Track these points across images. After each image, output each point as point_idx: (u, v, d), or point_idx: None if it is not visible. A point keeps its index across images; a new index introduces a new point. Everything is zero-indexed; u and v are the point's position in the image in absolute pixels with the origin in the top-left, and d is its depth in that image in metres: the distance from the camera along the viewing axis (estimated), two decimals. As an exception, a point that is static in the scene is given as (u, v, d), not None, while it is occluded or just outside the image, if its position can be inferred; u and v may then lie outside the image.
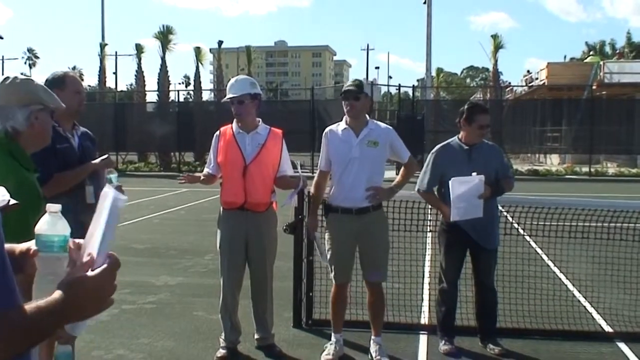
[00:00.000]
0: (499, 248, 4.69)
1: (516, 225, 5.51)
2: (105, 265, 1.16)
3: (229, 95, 4.37)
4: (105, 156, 3.63)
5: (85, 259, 1.16)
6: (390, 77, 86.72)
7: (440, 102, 29.95)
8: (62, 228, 1.22)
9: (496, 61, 26.92)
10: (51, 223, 1.21)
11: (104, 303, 1.16)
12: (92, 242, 1.17)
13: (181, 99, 30.77)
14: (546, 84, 29.50)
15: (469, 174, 4.31)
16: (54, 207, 1.23)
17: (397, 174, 4.69)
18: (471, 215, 4.30)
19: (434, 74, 36.70)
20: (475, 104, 4.69)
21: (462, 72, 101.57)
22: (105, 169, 3.57)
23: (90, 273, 1.15)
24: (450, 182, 4.29)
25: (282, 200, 4.59)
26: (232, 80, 4.47)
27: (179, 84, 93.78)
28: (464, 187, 4.27)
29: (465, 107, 4.57)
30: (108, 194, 1.20)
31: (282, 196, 4.57)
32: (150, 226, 11.03)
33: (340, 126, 4.41)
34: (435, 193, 4.58)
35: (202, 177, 4.47)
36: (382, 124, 4.52)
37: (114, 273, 1.18)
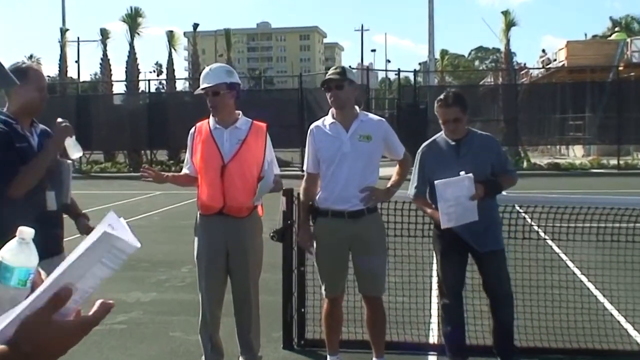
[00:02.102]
0: (517, 255, 4.68)
1: (536, 228, 5.51)
2: (89, 316, 1.07)
3: (202, 86, 4.35)
4: (60, 120, 3.56)
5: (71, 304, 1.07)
6: (388, 61, 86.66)
7: (446, 89, 29.93)
8: (26, 259, 1.16)
9: (508, 41, 27.02)
10: (15, 251, 1.15)
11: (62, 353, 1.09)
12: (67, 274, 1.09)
13: (152, 90, 30.72)
14: (566, 65, 29.67)
15: (458, 172, 4.27)
16: (25, 233, 1.17)
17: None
18: (465, 219, 4.26)
19: (438, 56, 36.84)
20: (440, 97, 4.56)
21: (470, 54, 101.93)
22: (64, 141, 3.49)
23: (61, 321, 1.05)
24: (435, 185, 4.27)
25: (270, 205, 4.57)
26: (206, 69, 4.45)
27: (150, 72, 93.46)
28: (452, 189, 4.24)
29: None
30: (101, 229, 1.11)
31: (270, 200, 4.54)
32: (118, 235, 10.96)
33: (327, 121, 4.41)
34: (428, 198, 4.54)
35: (167, 176, 4.48)
36: (374, 116, 4.54)
37: (93, 326, 1.09)
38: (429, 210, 4.49)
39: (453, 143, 4.44)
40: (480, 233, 4.36)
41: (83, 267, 1.08)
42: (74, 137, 3.51)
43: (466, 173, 4.23)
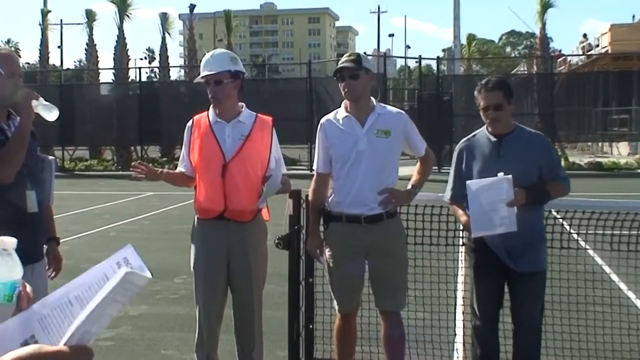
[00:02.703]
0: (553, 267, 4.62)
1: (575, 236, 5.46)
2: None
3: (203, 74, 4.35)
4: (22, 87, 3.53)
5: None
6: (408, 47, 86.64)
7: (473, 78, 29.91)
8: (10, 272, 1.16)
9: (544, 24, 26.97)
10: None
11: None
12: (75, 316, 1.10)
13: (144, 79, 30.81)
14: (609, 51, 29.50)
15: (497, 174, 4.15)
16: (6, 243, 1.16)
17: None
18: (499, 229, 4.14)
19: (464, 41, 36.80)
20: (482, 81, 4.47)
21: (500, 39, 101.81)
22: (30, 105, 3.42)
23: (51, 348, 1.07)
24: (467, 185, 4.18)
25: (275, 208, 4.57)
26: (208, 55, 4.45)
27: (141, 59, 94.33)
28: (486, 192, 4.13)
29: None
30: (121, 272, 1.12)
31: (276, 202, 4.54)
32: (105, 241, 11.03)
33: (339, 114, 4.40)
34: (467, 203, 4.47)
35: (161, 172, 4.47)
36: (393, 108, 4.52)
37: None
38: (462, 218, 4.39)
39: (494, 139, 4.33)
40: (517, 248, 4.23)
41: (100, 312, 1.10)
42: (41, 98, 3.46)
43: (505, 174, 4.12)
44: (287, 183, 4.45)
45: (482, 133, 4.43)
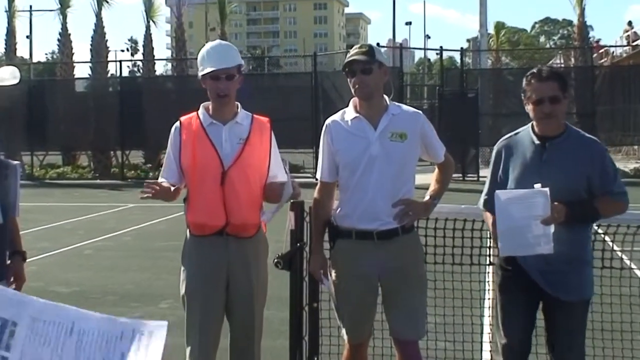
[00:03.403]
0: (595, 289, 4.57)
1: (619, 254, 5.46)
2: None
3: (210, 69, 4.35)
4: None
5: None
6: (428, 37, 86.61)
7: (503, 72, 29.92)
8: None
9: (583, 10, 26.95)
10: None
11: None
12: None
13: (125, 73, 30.98)
14: (658, 42, 29.43)
15: (538, 183, 4.05)
16: None
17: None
18: (531, 249, 4.05)
19: (492, 30, 36.73)
20: (534, 70, 4.35)
21: (533, 28, 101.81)
22: None
23: None
24: (495, 196, 4.10)
25: (273, 221, 4.57)
26: (209, 46, 4.49)
27: (122, 51, 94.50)
28: (517, 205, 4.05)
29: None
30: None
31: (278, 216, 4.55)
32: (79, 260, 11.05)
33: (347, 114, 4.40)
34: None
35: (177, 190, 4.40)
36: (409, 108, 4.52)
37: None
38: (492, 228, 4.35)
39: (538, 142, 4.22)
40: (554, 273, 4.16)
41: None
42: None
43: (545, 185, 4.00)
44: (296, 187, 4.41)
45: (526, 132, 4.32)
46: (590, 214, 4.17)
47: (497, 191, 4.11)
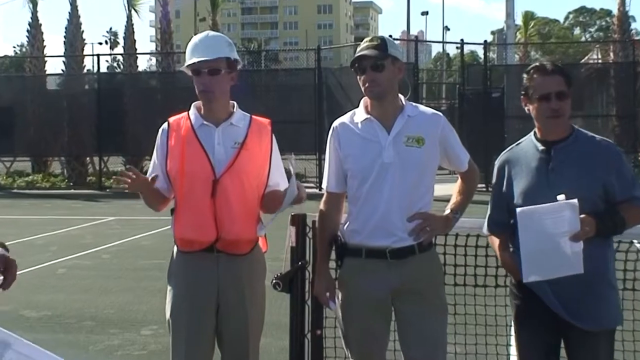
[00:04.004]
0: (636, 315, 4.58)
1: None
2: None
3: (192, 60, 4.37)
4: None
5: None
6: (447, 29, 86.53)
7: (532, 69, 29.79)
8: None
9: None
10: None
11: None
12: None
13: (104, 69, 31.01)
14: None
15: (549, 196, 4.03)
16: None
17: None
18: (560, 271, 4.02)
19: (520, 21, 36.74)
20: (534, 64, 4.39)
21: (566, 19, 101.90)
22: None
23: None
24: (517, 215, 4.07)
25: (272, 236, 4.59)
26: (197, 38, 4.49)
27: (100, 44, 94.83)
28: (542, 222, 4.01)
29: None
30: None
31: (273, 229, 4.56)
32: (51, 280, 11.05)
33: (357, 116, 4.40)
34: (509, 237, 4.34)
35: (151, 180, 4.34)
36: (427, 109, 4.51)
37: None
38: (500, 255, 4.38)
39: (541, 148, 4.24)
40: (574, 297, 4.12)
41: None
42: None
43: (567, 198, 3.98)
44: (301, 189, 4.39)
45: (528, 140, 4.35)
46: (618, 225, 4.15)
47: (518, 209, 4.08)
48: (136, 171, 4.35)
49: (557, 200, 3.99)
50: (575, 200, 3.95)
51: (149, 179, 4.34)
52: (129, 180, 4.24)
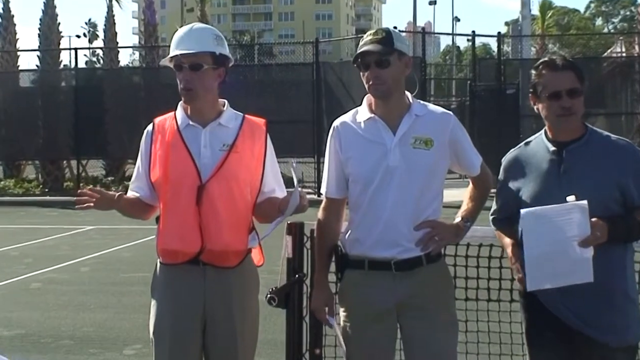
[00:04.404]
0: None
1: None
2: None
3: (175, 52, 4.38)
4: None
5: None
6: (457, 20, 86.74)
7: (550, 63, 29.83)
8: None
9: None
10: None
11: None
12: None
13: (82, 64, 31.01)
14: None
15: (561, 201, 4.02)
16: None
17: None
18: (567, 278, 4.01)
19: (536, 11, 36.84)
20: (544, 59, 4.37)
21: (587, 8, 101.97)
22: None
23: None
24: (521, 216, 4.09)
25: (267, 246, 4.59)
26: (182, 30, 4.49)
27: (78, 37, 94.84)
28: (548, 224, 4.02)
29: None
30: None
31: (269, 239, 4.55)
32: (25, 295, 11.03)
33: (360, 115, 4.40)
34: (518, 231, 4.31)
35: (120, 197, 4.37)
36: (436, 107, 4.51)
37: None
38: (509, 250, 4.40)
39: (553, 149, 4.26)
40: (588, 309, 4.13)
41: None
42: None
43: (577, 199, 3.98)
44: (304, 197, 4.34)
45: (538, 139, 4.38)
46: (636, 230, 4.15)
47: (522, 210, 4.09)
48: (98, 190, 4.34)
49: (566, 202, 3.98)
50: (585, 202, 3.94)
51: (115, 196, 4.32)
52: (93, 199, 4.24)
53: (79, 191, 4.34)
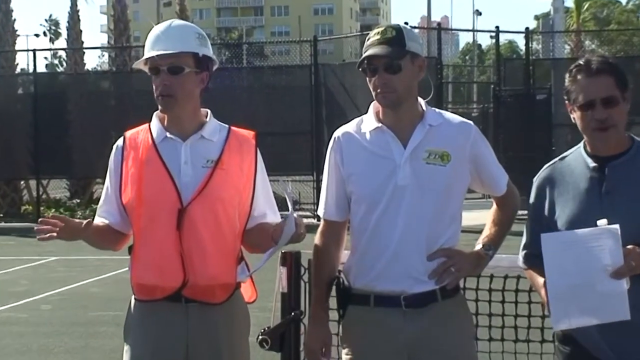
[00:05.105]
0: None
1: None
2: None
3: (149, 54, 4.38)
4: None
5: None
6: (478, 14, 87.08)
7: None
8: None
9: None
10: None
11: None
12: None
13: (42, 68, 31.05)
14: None
15: (595, 223, 4.00)
16: None
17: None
18: (597, 317, 3.99)
19: (570, 3, 36.91)
20: (578, 62, 4.28)
21: (629, 0, 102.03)
22: None
23: None
24: (541, 241, 4.05)
25: (259, 279, 4.60)
26: (159, 28, 4.50)
27: (37, 36, 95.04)
28: (573, 252, 3.98)
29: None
30: None
31: (261, 271, 4.57)
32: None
33: (366, 124, 4.40)
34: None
35: (88, 224, 4.28)
36: (453, 116, 4.52)
37: None
38: (542, 292, 4.26)
39: (593, 165, 4.22)
40: (631, 348, 4.10)
41: None
42: None
43: (609, 223, 3.96)
44: (301, 224, 4.28)
45: (576, 153, 4.33)
46: None
47: (543, 234, 4.06)
48: (62, 217, 4.29)
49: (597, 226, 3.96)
50: (617, 227, 3.92)
51: (82, 224, 4.24)
52: (56, 228, 4.16)
53: (40, 219, 4.29)
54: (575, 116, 4.19)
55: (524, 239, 4.42)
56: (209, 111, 4.54)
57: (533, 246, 4.27)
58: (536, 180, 4.40)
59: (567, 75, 4.24)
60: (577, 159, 4.28)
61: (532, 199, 4.40)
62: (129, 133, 4.55)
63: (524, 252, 4.42)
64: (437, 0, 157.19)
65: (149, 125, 4.51)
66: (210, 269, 4.35)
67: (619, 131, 4.16)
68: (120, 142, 4.54)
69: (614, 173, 4.15)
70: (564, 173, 4.31)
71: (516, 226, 4.54)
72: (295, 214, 4.22)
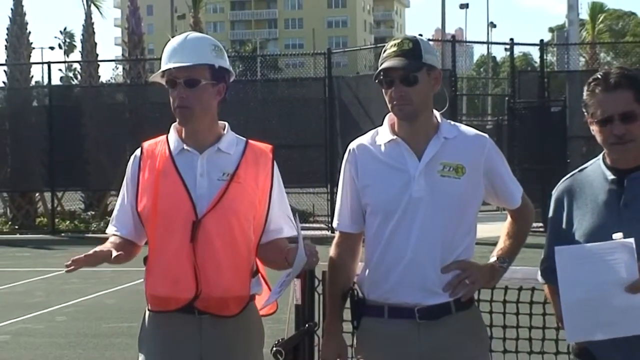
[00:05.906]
0: None
1: None
2: None
3: (166, 66, 4.39)
4: None
5: None
6: (492, 26, 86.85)
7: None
8: None
9: None
10: None
11: None
12: None
13: (57, 81, 31.08)
14: None
15: (611, 236, 3.99)
16: None
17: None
18: (612, 331, 3.98)
19: (586, 15, 36.82)
20: (596, 76, 4.24)
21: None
22: None
23: None
24: (555, 254, 4.05)
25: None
26: (176, 40, 4.50)
27: (52, 49, 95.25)
28: (587, 265, 3.98)
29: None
30: None
31: (272, 278, 4.58)
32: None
33: (381, 136, 4.41)
34: None
35: (115, 254, 4.23)
36: (469, 129, 4.51)
37: None
38: (557, 310, 4.28)
39: (612, 177, 4.20)
40: None
41: None
42: None
43: (628, 236, 3.94)
44: (313, 252, 4.23)
45: (595, 165, 4.30)
46: None
47: (557, 247, 4.05)
48: (92, 254, 4.25)
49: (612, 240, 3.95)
50: (632, 240, 3.90)
51: (111, 254, 4.20)
52: (83, 263, 4.15)
53: (71, 259, 4.19)
54: (594, 130, 4.16)
55: (544, 253, 4.39)
56: (226, 124, 4.54)
57: (551, 261, 4.21)
58: (555, 193, 4.38)
59: (585, 88, 4.22)
60: (596, 171, 4.26)
61: (550, 213, 4.38)
62: (146, 144, 4.56)
63: (543, 267, 4.39)
64: (451, 13, 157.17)
65: (167, 137, 4.51)
66: (224, 281, 4.34)
67: (638, 144, 4.11)
68: (138, 152, 4.54)
69: (633, 185, 4.13)
70: (583, 185, 4.29)
71: (531, 238, 4.54)
72: (303, 244, 4.18)
